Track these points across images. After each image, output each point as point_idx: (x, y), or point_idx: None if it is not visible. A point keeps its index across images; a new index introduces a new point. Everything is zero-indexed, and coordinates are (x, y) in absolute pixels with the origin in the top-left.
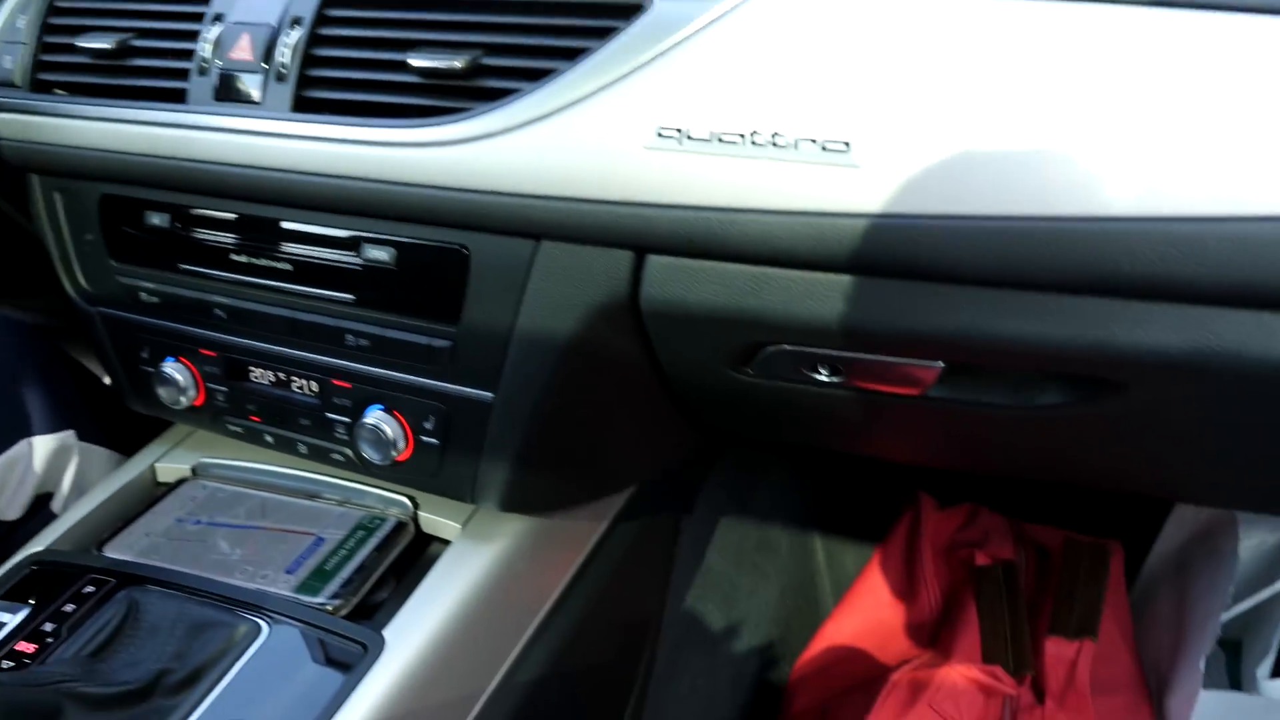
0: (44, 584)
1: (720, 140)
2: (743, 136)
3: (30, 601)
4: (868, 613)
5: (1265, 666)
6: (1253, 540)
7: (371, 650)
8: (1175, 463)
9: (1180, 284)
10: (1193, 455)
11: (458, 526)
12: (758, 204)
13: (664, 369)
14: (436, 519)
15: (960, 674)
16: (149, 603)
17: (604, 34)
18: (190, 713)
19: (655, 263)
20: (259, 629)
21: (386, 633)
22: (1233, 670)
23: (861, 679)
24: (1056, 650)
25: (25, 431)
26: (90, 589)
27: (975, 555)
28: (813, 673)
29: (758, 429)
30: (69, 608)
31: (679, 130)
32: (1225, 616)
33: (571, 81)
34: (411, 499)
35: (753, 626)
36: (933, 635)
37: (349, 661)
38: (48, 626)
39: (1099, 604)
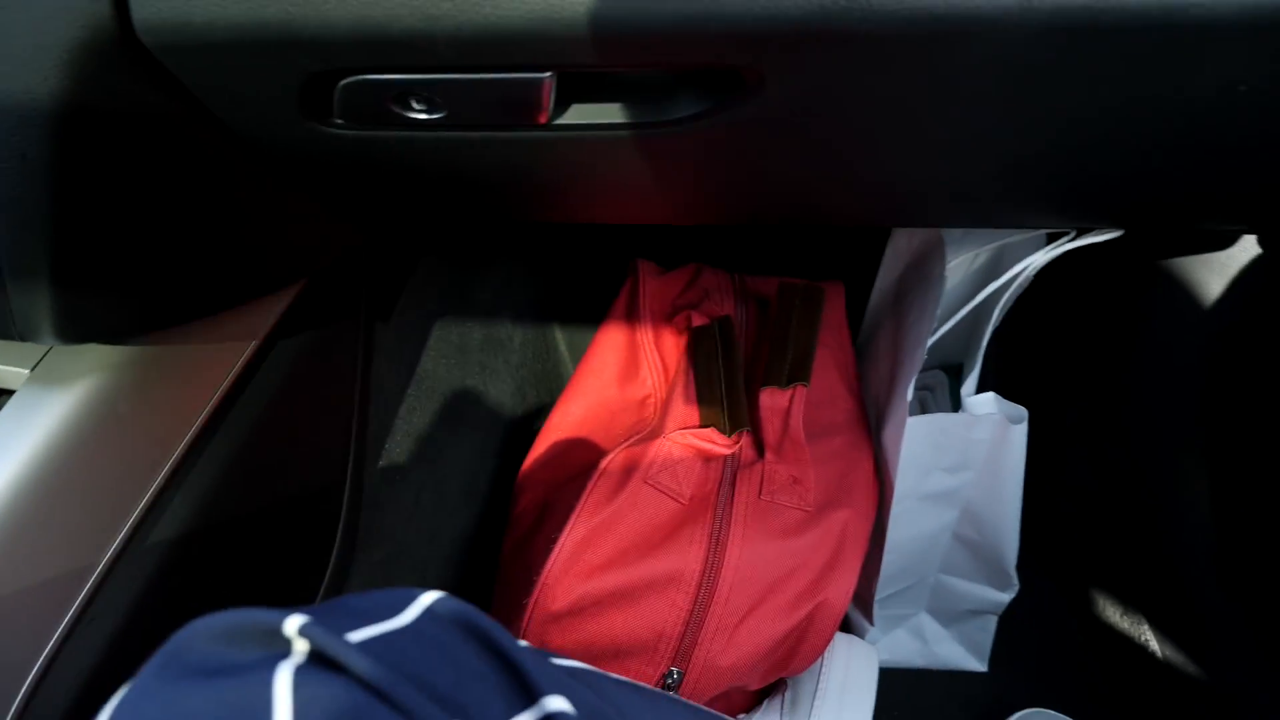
0: None
1: None
2: None
3: None
4: (591, 396)
5: (970, 384)
6: (960, 259)
7: None
8: (841, 171)
9: None
10: (856, 158)
11: (24, 372)
12: None
13: (231, 128)
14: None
15: (674, 443)
16: None
17: None
18: None
19: None
20: None
21: None
22: (954, 393)
23: (583, 466)
24: (771, 401)
25: None
26: None
27: (693, 317)
28: (537, 467)
29: (396, 203)
30: None
31: None
32: (932, 340)
33: None
34: None
35: (485, 430)
36: (657, 408)
37: None
38: None
39: (811, 347)
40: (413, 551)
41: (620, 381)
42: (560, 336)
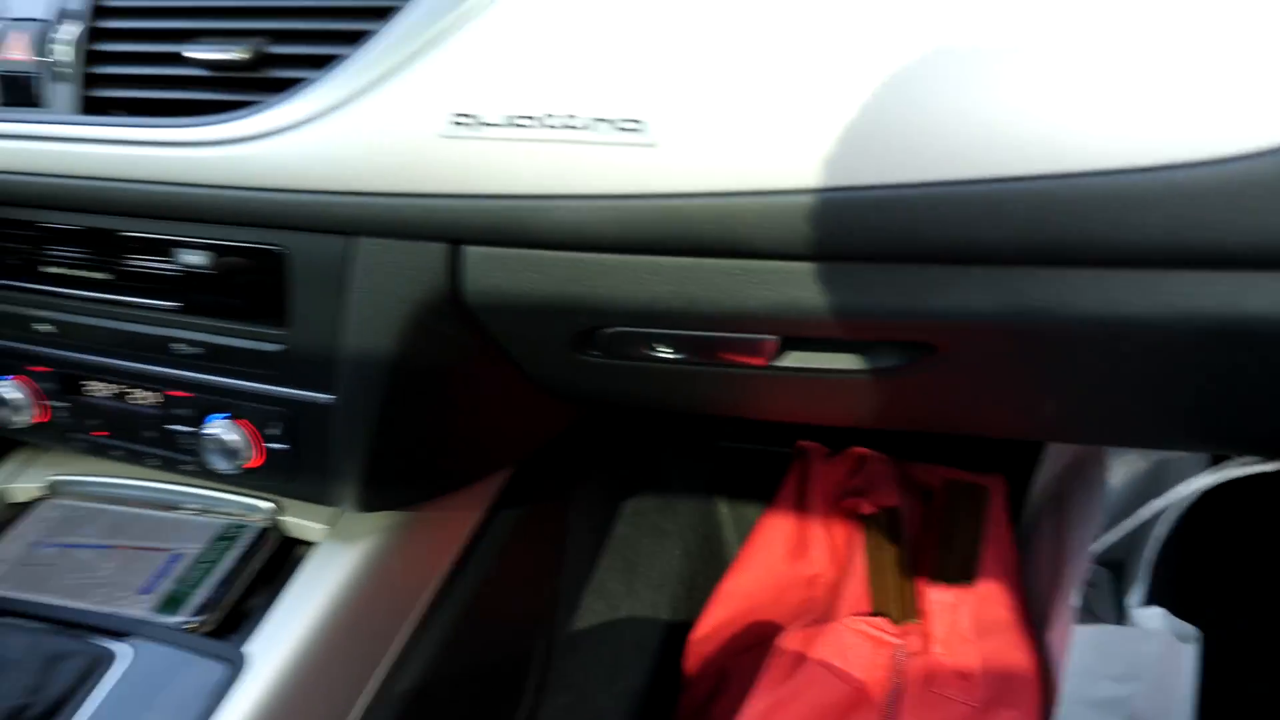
0: None
1: (515, 124)
2: (537, 119)
3: None
4: (762, 569)
5: (1136, 595)
6: (1124, 467)
7: (234, 669)
8: (1019, 409)
9: (984, 247)
10: (1034, 402)
11: (323, 528)
12: (561, 189)
13: (513, 359)
14: (302, 522)
15: (847, 628)
16: (1, 636)
17: (383, 14)
18: None
19: (471, 253)
20: (116, 655)
21: (249, 648)
22: (1118, 592)
23: (757, 639)
24: (939, 596)
25: None
26: None
27: (861, 504)
28: (711, 633)
29: (622, 401)
30: None
31: (472, 116)
32: (1097, 547)
33: (357, 68)
34: (275, 502)
35: (656, 588)
36: (826, 588)
37: (211, 683)
38: None
39: (978, 546)
40: (592, 701)
41: (789, 558)
42: (722, 501)
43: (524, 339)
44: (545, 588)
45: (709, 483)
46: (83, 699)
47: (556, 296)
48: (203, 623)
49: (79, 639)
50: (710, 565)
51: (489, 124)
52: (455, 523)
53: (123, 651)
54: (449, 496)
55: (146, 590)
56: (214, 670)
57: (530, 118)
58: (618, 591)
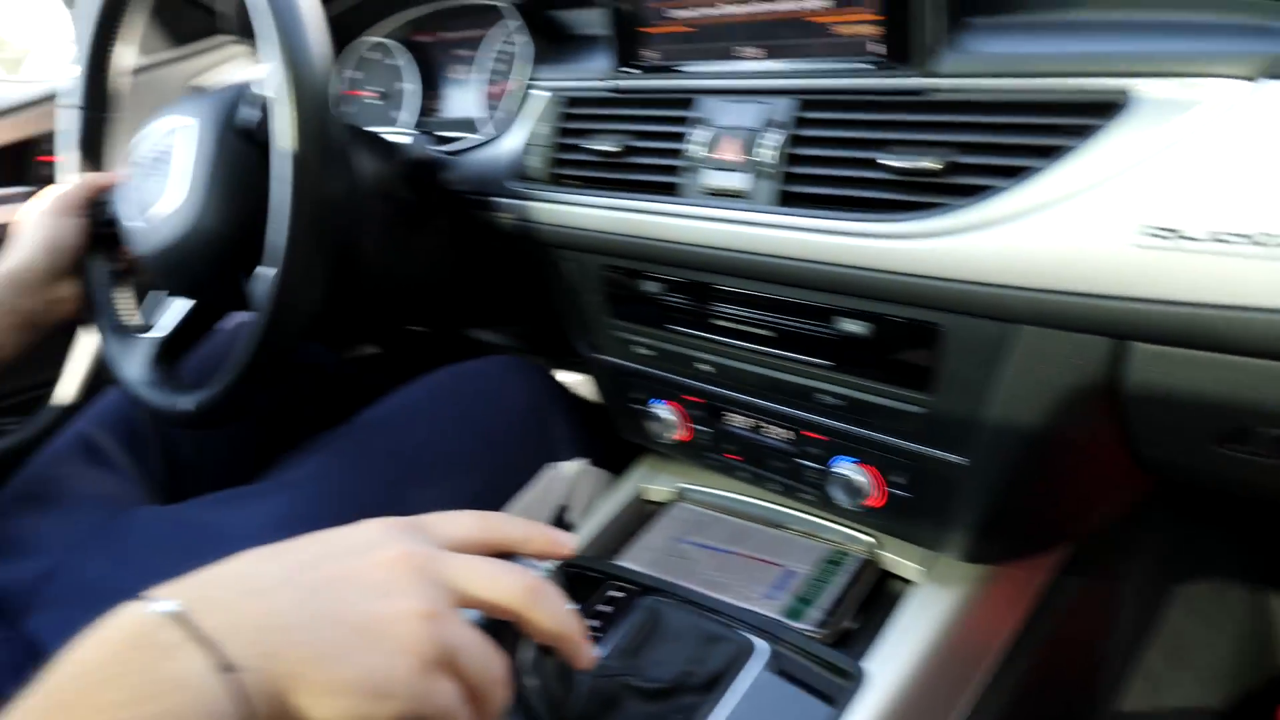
0: (578, 586)
1: (1220, 240)
2: (1246, 237)
3: (576, 601)
4: None
5: None
6: None
7: (856, 680)
8: None
9: None
10: None
11: (919, 568)
12: (1261, 303)
13: (1140, 444)
14: (898, 559)
15: None
16: (666, 611)
17: (1082, 132)
18: (713, 714)
19: (1139, 350)
20: (759, 646)
21: (866, 664)
22: None
23: None
24: None
25: (554, 457)
26: (617, 594)
27: None
28: None
29: (1240, 491)
30: (605, 609)
31: (1173, 231)
32: None
33: (1051, 180)
34: (875, 538)
35: (1204, 680)
36: None
37: (836, 688)
38: (593, 624)
39: None
40: None
41: None
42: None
43: (1165, 428)
44: (1094, 658)
45: (1267, 574)
46: (737, 678)
47: (1227, 398)
48: (825, 634)
49: (726, 625)
50: (1264, 664)
51: (1190, 238)
52: (1028, 584)
53: (764, 644)
54: (1026, 556)
55: (769, 597)
56: (840, 678)
57: (1240, 235)
58: (1163, 676)
